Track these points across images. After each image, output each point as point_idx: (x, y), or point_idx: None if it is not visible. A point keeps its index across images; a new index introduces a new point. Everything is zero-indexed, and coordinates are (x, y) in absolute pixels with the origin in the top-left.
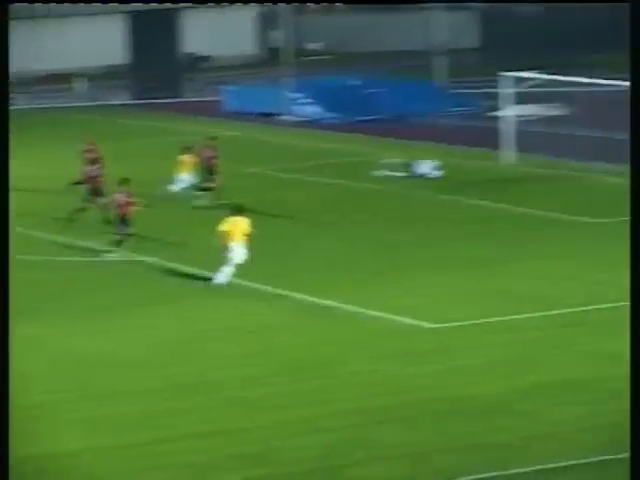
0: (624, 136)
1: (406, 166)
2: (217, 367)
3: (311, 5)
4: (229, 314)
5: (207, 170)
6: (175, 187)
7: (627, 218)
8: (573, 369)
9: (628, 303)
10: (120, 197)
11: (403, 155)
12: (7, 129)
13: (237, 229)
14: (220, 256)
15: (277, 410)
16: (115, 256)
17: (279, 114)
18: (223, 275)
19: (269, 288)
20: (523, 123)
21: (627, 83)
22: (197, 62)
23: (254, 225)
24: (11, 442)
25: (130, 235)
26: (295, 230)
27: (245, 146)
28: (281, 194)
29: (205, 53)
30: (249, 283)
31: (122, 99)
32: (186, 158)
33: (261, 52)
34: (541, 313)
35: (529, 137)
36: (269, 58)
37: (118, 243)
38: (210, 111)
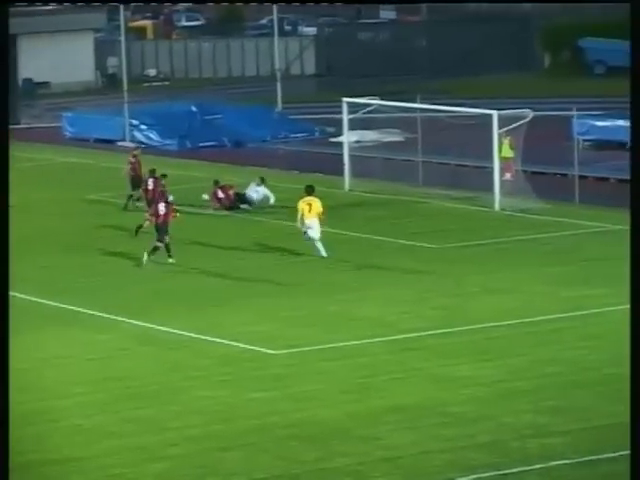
0: (464, 162)
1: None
2: (56, 395)
3: (149, 31)
4: (67, 342)
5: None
6: None
7: (465, 244)
8: (412, 394)
9: (470, 327)
10: None
11: (242, 181)
12: (7, 130)
13: (311, 207)
14: None
15: (117, 438)
16: None
17: (117, 140)
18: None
19: (111, 316)
20: (362, 149)
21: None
22: (35, 88)
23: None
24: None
25: None
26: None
27: (85, 173)
28: (124, 222)
29: (43, 79)
30: (87, 311)
31: None
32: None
33: (100, 78)
34: (381, 339)
35: (368, 163)
36: (108, 84)
37: None
38: (49, 137)
